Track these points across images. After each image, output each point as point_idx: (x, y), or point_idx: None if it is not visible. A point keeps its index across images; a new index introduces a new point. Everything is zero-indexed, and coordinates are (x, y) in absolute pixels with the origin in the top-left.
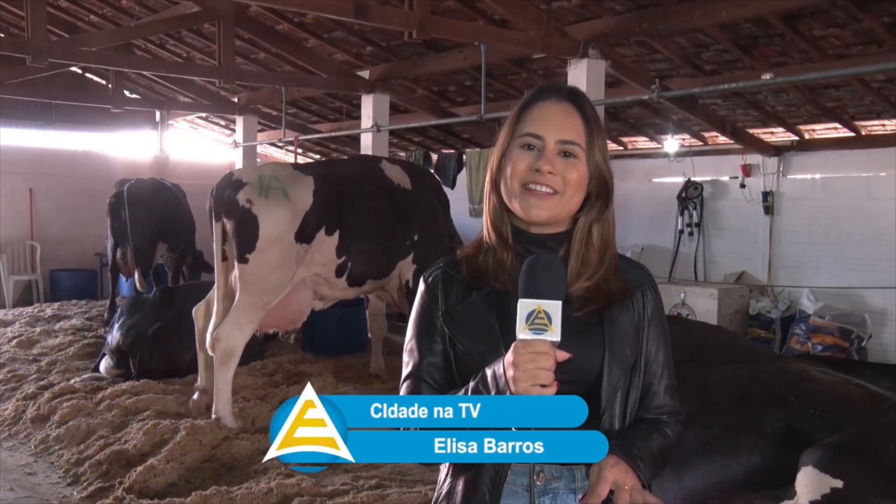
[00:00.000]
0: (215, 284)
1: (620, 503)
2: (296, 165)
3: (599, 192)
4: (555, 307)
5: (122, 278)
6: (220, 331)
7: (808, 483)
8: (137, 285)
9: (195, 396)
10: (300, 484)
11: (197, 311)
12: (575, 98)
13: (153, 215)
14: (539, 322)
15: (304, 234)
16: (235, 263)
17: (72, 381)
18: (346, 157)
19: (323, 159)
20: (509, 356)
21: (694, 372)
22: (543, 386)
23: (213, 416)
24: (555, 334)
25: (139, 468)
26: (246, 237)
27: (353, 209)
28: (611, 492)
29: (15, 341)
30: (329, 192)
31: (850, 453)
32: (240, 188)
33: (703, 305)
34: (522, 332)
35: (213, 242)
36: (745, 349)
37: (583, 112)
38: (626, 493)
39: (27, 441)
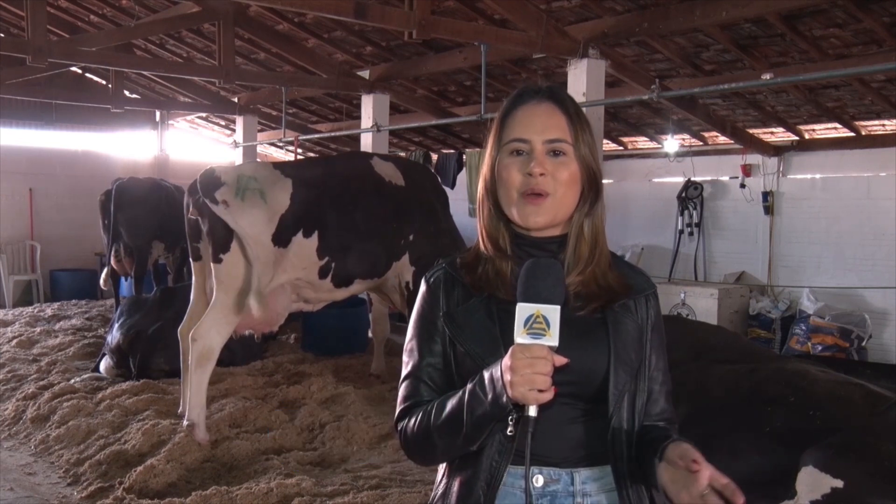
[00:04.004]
0: (192, 283)
1: (704, 474)
2: (277, 165)
3: (590, 186)
4: (553, 312)
5: (122, 278)
6: (197, 331)
7: (809, 483)
8: (101, 283)
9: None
10: (300, 484)
11: (182, 332)
12: (555, 95)
13: (146, 214)
14: (537, 326)
15: (280, 238)
16: (211, 263)
17: (72, 381)
18: (335, 155)
19: (311, 157)
20: (507, 360)
21: (694, 372)
22: (541, 391)
23: (185, 422)
24: (553, 339)
25: (139, 468)
26: (219, 238)
27: (335, 208)
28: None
29: (15, 341)
30: (308, 193)
31: (850, 453)
32: (217, 188)
33: (703, 305)
34: (520, 336)
35: (187, 239)
36: (745, 349)
37: (564, 108)
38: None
39: (27, 441)
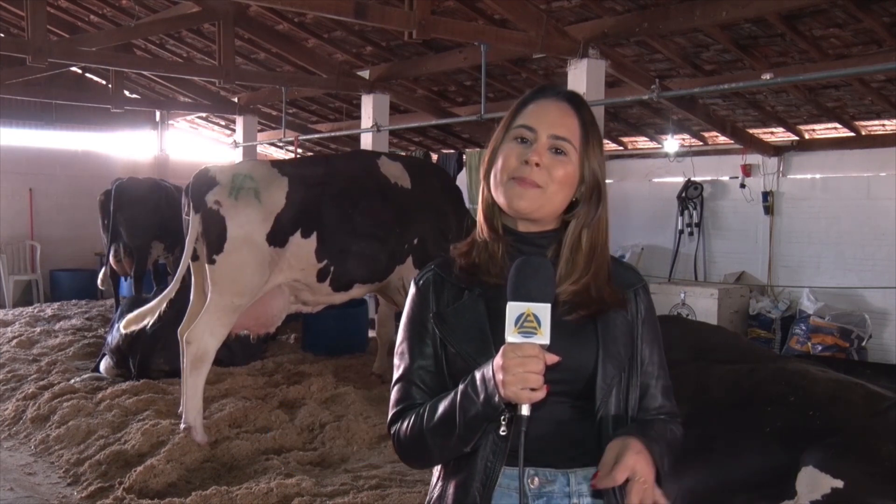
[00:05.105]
0: (192, 284)
1: (634, 496)
2: (276, 163)
3: (591, 197)
4: (544, 310)
5: (122, 278)
6: (192, 334)
7: (809, 483)
8: (99, 282)
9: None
10: (300, 484)
11: (182, 332)
12: (574, 100)
13: (146, 214)
14: (528, 325)
15: (276, 237)
16: (206, 265)
17: (72, 381)
18: (341, 153)
19: (314, 154)
20: (498, 359)
21: (694, 372)
22: (533, 390)
23: (182, 425)
24: (544, 337)
25: (139, 468)
26: (213, 238)
27: (335, 210)
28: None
29: (15, 341)
30: (306, 193)
31: (850, 453)
32: (211, 188)
33: (703, 305)
34: (511, 336)
35: (186, 240)
36: (745, 349)
37: (580, 114)
38: (641, 486)
39: (27, 441)
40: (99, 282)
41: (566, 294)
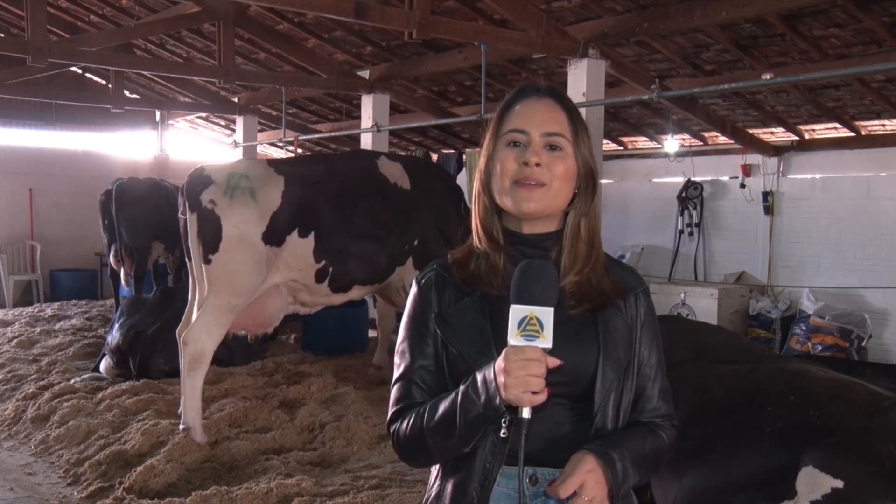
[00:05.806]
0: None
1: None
2: (272, 162)
3: (587, 185)
4: (547, 314)
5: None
6: (189, 334)
7: (809, 483)
8: (123, 283)
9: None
10: (300, 484)
11: (181, 332)
12: (556, 94)
13: (146, 214)
14: (531, 328)
15: (272, 237)
16: (202, 265)
17: (72, 381)
18: (340, 153)
19: (312, 154)
20: (500, 362)
21: (694, 372)
22: (534, 393)
23: (182, 426)
24: (546, 341)
25: (139, 468)
26: (208, 238)
27: (333, 210)
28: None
29: (15, 341)
30: (303, 192)
31: (850, 453)
32: (206, 187)
33: (703, 305)
34: (514, 339)
35: (182, 239)
36: (745, 349)
37: (565, 107)
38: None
39: (27, 441)
40: (123, 282)
41: (570, 286)
